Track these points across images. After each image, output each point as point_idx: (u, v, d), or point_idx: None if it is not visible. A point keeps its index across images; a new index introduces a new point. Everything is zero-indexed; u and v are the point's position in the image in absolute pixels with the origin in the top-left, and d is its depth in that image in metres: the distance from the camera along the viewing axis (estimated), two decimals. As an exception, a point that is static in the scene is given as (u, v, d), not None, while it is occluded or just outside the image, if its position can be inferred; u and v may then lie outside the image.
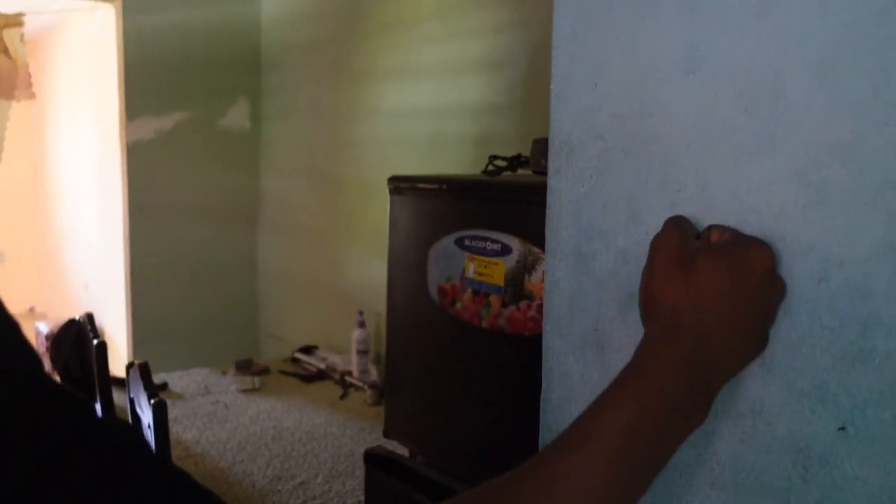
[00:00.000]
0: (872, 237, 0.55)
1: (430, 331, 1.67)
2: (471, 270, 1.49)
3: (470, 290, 1.50)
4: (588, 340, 0.75)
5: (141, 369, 1.92)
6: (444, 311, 1.57)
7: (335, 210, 3.74)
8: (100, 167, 4.23)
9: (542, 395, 0.80)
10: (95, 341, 2.31)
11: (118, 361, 3.70)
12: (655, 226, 0.68)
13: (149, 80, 3.85)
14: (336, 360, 3.56)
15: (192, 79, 3.98)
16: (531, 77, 2.61)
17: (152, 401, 1.79)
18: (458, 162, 2.89)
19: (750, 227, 0.61)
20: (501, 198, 1.52)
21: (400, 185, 1.74)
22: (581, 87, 0.76)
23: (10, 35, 4.06)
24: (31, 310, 5.98)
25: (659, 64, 0.69)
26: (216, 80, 4.06)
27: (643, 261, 0.67)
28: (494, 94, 2.77)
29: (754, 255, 0.58)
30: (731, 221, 0.63)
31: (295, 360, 3.79)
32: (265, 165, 4.28)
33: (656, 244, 0.60)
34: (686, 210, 0.66)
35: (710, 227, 0.63)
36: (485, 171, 1.68)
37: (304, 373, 3.62)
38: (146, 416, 1.79)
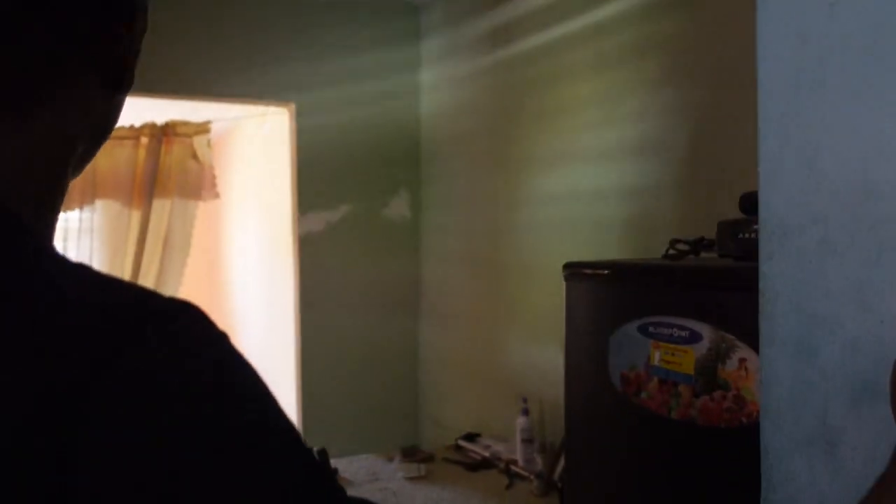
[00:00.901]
0: None
1: (613, 420, 1.62)
2: (656, 358, 1.45)
3: (656, 378, 1.45)
4: (815, 438, 0.70)
5: (320, 456, 1.98)
6: (629, 401, 1.52)
7: (495, 296, 3.76)
8: (269, 259, 4.48)
9: (763, 496, 0.75)
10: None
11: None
12: (892, 314, 0.64)
13: (318, 175, 4.07)
14: (500, 448, 3.51)
15: (357, 172, 4.18)
16: (692, 159, 2.57)
17: (332, 488, 1.83)
18: (621, 245, 2.85)
19: None
20: (688, 283, 1.48)
21: (576, 272, 1.73)
22: (794, 169, 0.74)
23: (199, 141, 4.44)
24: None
25: (884, 144, 0.66)
26: (379, 172, 4.25)
27: (880, 351, 0.63)
28: (655, 177, 2.74)
29: None
30: (984, 308, 0.58)
31: (458, 448, 3.77)
32: (425, 253, 4.39)
33: None
34: (929, 297, 0.61)
35: None
36: (665, 255, 1.64)
37: (469, 461, 3.59)
38: None
